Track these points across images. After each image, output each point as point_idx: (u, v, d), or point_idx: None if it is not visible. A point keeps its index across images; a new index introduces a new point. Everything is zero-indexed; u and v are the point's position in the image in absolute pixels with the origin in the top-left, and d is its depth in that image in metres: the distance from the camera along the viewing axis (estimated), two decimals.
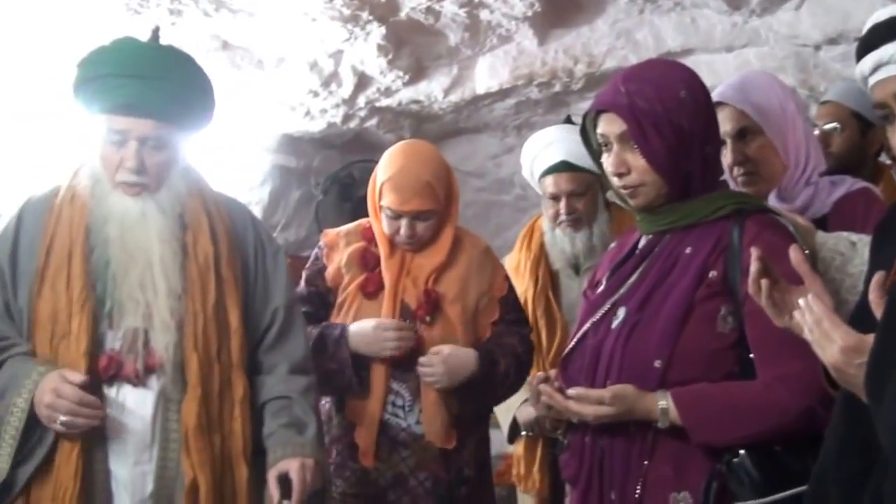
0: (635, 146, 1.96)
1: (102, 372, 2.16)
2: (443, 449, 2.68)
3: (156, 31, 2.27)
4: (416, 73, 4.41)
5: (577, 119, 4.61)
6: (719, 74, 3.91)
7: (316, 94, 4.41)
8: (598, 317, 2.04)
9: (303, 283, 2.81)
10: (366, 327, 2.65)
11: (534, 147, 3.26)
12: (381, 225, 2.74)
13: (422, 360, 2.65)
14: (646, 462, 1.91)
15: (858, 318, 1.49)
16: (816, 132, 3.01)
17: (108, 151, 2.19)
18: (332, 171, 5.08)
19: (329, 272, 2.77)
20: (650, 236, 2.07)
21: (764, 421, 1.84)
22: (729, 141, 2.28)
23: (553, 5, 3.97)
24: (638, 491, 1.90)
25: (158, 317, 2.18)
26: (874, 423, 1.34)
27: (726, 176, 2.26)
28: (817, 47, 4.00)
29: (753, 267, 1.63)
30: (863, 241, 1.91)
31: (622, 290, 2.04)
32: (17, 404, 2.09)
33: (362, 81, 4.39)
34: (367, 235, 2.79)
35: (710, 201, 2.00)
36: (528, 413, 3.14)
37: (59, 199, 2.26)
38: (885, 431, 1.30)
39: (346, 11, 3.74)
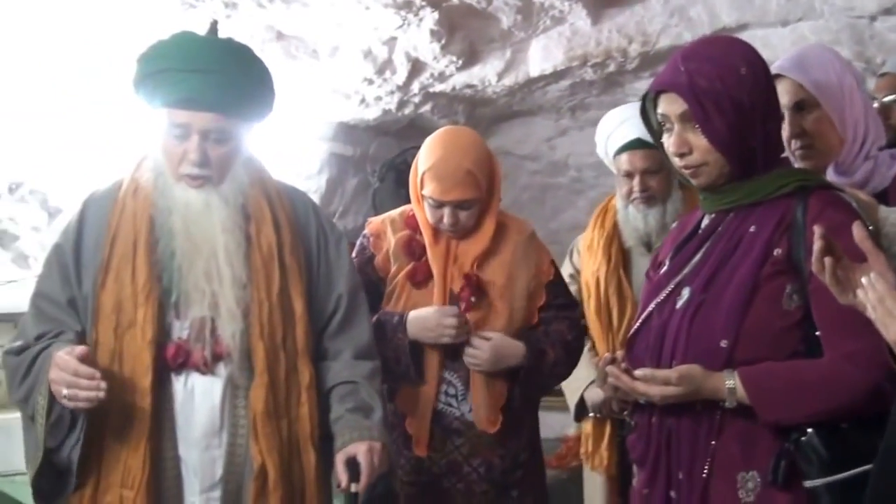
0: (696, 126, 1.95)
1: (171, 360, 2.20)
2: (497, 435, 2.68)
3: (214, 25, 2.29)
4: (470, 57, 4.41)
5: (631, 99, 4.60)
6: (774, 49, 3.85)
7: (370, 82, 4.42)
8: (662, 297, 2.03)
9: None
10: (426, 313, 2.66)
11: (608, 125, 3.25)
12: (423, 213, 2.74)
13: (473, 340, 2.65)
14: (713, 442, 1.90)
15: None
16: (876, 105, 2.97)
17: (171, 145, 2.21)
18: (388, 158, 5.10)
19: (378, 261, 2.77)
20: (713, 215, 2.06)
21: (832, 398, 1.82)
22: (786, 113, 2.26)
23: None
24: (706, 471, 1.90)
25: (224, 306, 2.20)
26: None
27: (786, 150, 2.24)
28: (873, 18, 3.92)
29: (817, 245, 1.61)
30: None
31: (686, 271, 2.03)
32: (44, 382, 2.11)
33: (416, 67, 4.39)
34: (411, 224, 2.78)
35: (773, 179, 1.98)
36: (596, 395, 3.15)
37: (123, 192, 2.29)
38: None
39: None
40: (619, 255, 3.29)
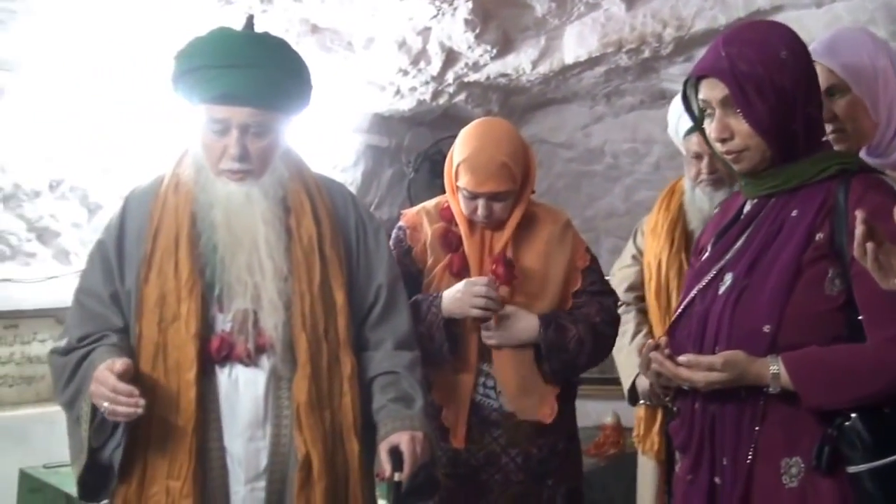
0: (738, 110, 1.94)
1: (215, 353, 2.22)
2: (536, 425, 2.68)
3: (250, 20, 2.30)
4: (504, 46, 4.40)
5: (666, 84, 4.55)
6: (809, 30, 3.80)
7: (405, 73, 4.43)
8: (704, 283, 2.02)
9: None
10: (457, 286, 2.64)
11: (679, 106, 3.24)
12: (458, 204, 2.74)
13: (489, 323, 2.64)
14: (757, 428, 1.90)
15: None
16: None
17: (211, 140, 2.23)
18: (423, 149, 5.10)
19: (416, 252, 2.77)
20: (755, 200, 2.05)
21: (875, 383, 1.82)
22: None
23: None
24: (749, 457, 1.90)
25: (266, 298, 2.22)
26: None
27: None
28: None
29: (858, 230, 1.61)
30: None
31: (728, 256, 2.02)
32: (87, 390, 2.14)
33: (450, 57, 4.39)
34: (446, 215, 2.78)
35: (815, 163, 1.97)
36: (646, 382, 3.14)
37: (164, 188, 2.32)
38: None
39: None
40: (682, 239, 3.27)
